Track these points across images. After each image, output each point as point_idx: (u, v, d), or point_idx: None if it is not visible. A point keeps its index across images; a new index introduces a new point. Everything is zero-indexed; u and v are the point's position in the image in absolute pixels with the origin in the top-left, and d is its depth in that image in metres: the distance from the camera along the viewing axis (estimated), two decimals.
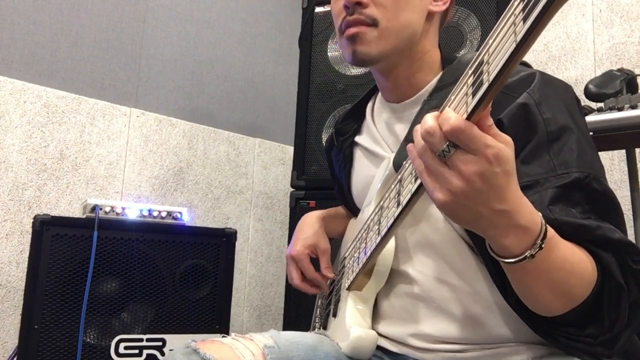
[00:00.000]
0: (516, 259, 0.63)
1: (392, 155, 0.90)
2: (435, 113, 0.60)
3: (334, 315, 0.96)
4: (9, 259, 1.90)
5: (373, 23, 0.86)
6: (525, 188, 0.73)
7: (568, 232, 0.70)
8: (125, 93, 2.25)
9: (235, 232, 1.81)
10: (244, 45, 2.68)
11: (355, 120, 1.07)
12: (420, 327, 0.86)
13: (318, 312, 1.10)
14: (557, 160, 0.75)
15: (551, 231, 0.65)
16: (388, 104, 0.98)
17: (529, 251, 0.62)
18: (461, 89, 0.60)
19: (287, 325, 1.85)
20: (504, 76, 0.53)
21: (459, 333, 0.83)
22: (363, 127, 1.05)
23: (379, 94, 1.02)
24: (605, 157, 2.02)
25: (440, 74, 0.91)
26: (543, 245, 0.62)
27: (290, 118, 2.12)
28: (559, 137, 0.76)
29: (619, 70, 1.57)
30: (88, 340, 1.55)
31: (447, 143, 0.57)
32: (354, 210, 1.09)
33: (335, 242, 1.12)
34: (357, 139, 1.05)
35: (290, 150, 2.40)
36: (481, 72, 0.55)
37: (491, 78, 0.54)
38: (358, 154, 1.05)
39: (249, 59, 2.70)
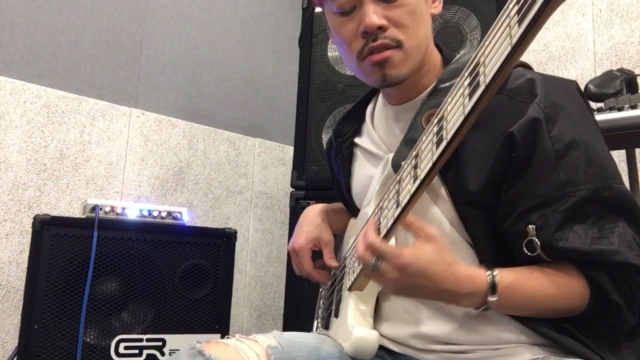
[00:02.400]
0: (480, 309, 0.75)
1: (391, 156, 0.91)
2: (363, 232, 0.79)
3: (336, 316, 0.96)
4: (9, 259, 1.90)
5: (398, 45, 0.85)
6: (532, 209, 0.76)
7: (571, 258, 0.75)
8: (125, 93, 2.25)
9: (235, 232, 1.81)
10: (244, 45, 2.68)
11: (354, 121, 1.07)
12: (421, 328, 0.86)
13: (319, 312, 1.10)
14: (565, 178, 0.75)
15: (507, 280, 0.73)
16: (389, 106, 0.98)
17: (484, 306, 0.74)
18: (458, 90, 0.60)
19: (287, 325, 1.85)
20: (500, 78, 0.54)
21: (460, 334, 0.83)
22: (363, 129, 1.05)
23: (380, 96, 1.03)
24: None
25: (439, 74, 0.92)
26: (494, 299, 0.73)
27: (290, 118, 2.12)
28: (566, 154, 0.76)
29: (619, 70, 1.57)
30: (88, 340, 1.55)
31: (375, 259, 0.73)
32: (353, 211, 1.09)
33: (338, 238, 1.11)
34: (357, 140, 1.05)
35: (290, 150, 2.40)
36: (477, 74, 0.56)
37: (487, 80, 0.54)
38: (357, 155, 1.05)
39: (249, 59, 2.70)
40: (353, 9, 0.87)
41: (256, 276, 2.62)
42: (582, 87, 1.55)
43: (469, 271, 0.74)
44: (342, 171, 1.08)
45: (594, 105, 1.50)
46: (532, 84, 0.81)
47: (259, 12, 2.76)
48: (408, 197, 0.71)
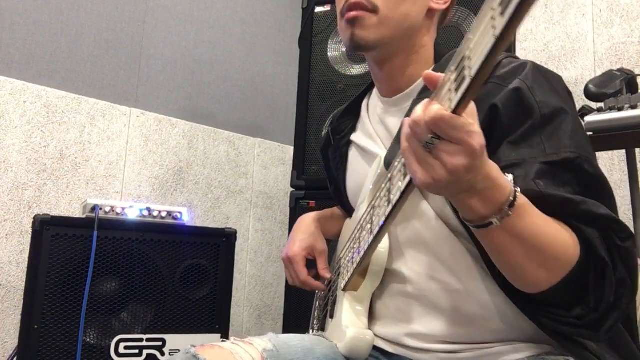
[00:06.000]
0: (483, 223, 0.65)
1: (384, 154, 0.91)
2: (426, 101, 0.61)
3: (331, 316, 0.96)
4: (9, 259, 1.90)
5: (373, 9, 0.87)
6: (513, 165, 0.74)
7: (552, 206, 0.70)
8: (125, 93, 2.25)
9: (235, 232, 1.81)
10: (244, 45, 2.68)
11: (351, 118, 1.08)
12: (414, 327, 0.86)
13: (316, 313, 1.10)
14: (548, 143, 0.75)
15: (523, 200, 0.66)
16: (382, 98, 0.98)
17: (496, 216, 0.64)
18: (445, 85, 0.59)
19: (287, 326, 1.85)
20: (485, 70, 0.53)
21: (452, 332, 0.83)
22: (358, 123, 1.06)
23: (374, 89, 1.03)
24: (605, 157, 2.01)
25: (431, 69, 0.92)
26: (510, 212, 0.64)
27: (290, 118, 2.12)
28: (552, 119, 0.76)
29: (619, 70, 1.57)
30: (88, 340, 1.55)
31: (431, 135, 0.58)
32: (349, 210, 1.09)
33: (332, 243, 1.11)
34: (353, 137, 1.05)
35: (290, 150, 2.40)
36: (463, 68, 0.55)
37: (473, 73, 0.53)
38: (353, 153, 1.05)
39: (249, 59, 2.70)
40: None
41: (256, 276, 2.62)
42: (582, 87, 1.55)
43: (499, 170, 0.65)
44: (339, 169, 1.08)
45: (594, 105, 1.50)
46: (519, 68, 0.81)
47: (259, 12, 2.76)
48: (398, 194, 0.71)
